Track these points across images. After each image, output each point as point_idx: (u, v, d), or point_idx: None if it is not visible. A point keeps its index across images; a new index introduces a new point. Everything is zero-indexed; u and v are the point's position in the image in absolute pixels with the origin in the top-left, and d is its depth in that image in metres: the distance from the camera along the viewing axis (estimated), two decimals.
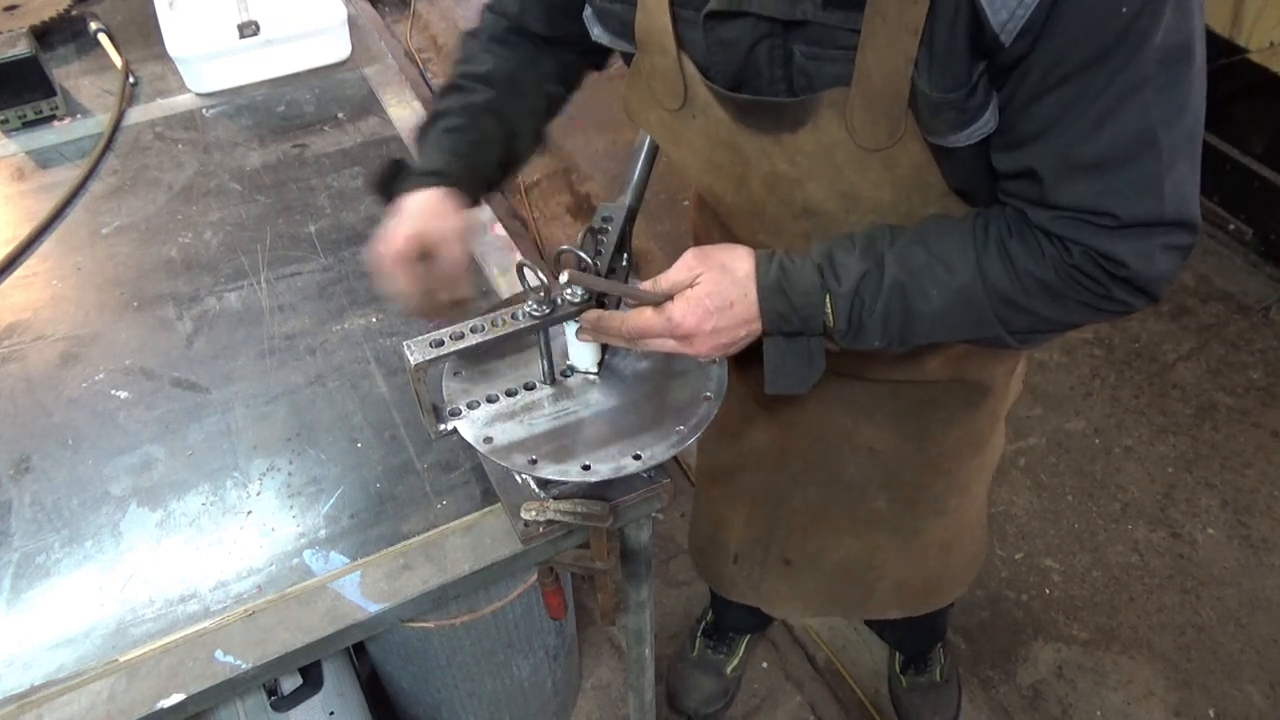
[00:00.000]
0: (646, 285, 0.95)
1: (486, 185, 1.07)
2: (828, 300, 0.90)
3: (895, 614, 1.51)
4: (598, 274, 0.97)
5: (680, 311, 0.91)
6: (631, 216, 1.07)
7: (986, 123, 0.81)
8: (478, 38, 1.11)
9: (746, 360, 1.02)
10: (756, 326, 0.93)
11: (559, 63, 1.11)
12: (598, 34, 1.01)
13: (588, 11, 1.01)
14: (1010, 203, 0.88)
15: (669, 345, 0.94)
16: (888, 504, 1.33)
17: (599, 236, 1.04)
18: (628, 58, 1.02)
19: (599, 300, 0.97)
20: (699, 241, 1.38)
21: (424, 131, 1.07)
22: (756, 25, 0.84)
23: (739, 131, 0.93)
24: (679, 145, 1.02)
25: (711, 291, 0.90)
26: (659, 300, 0.93)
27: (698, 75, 0.92)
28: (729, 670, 1.94)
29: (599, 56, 1.14)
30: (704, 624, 1.98)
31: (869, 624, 2.03)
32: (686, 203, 3.10)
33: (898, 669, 1.97)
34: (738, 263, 0.92)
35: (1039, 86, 0.77)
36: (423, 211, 0.97)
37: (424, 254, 0.96)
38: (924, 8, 0.74)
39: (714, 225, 1.22)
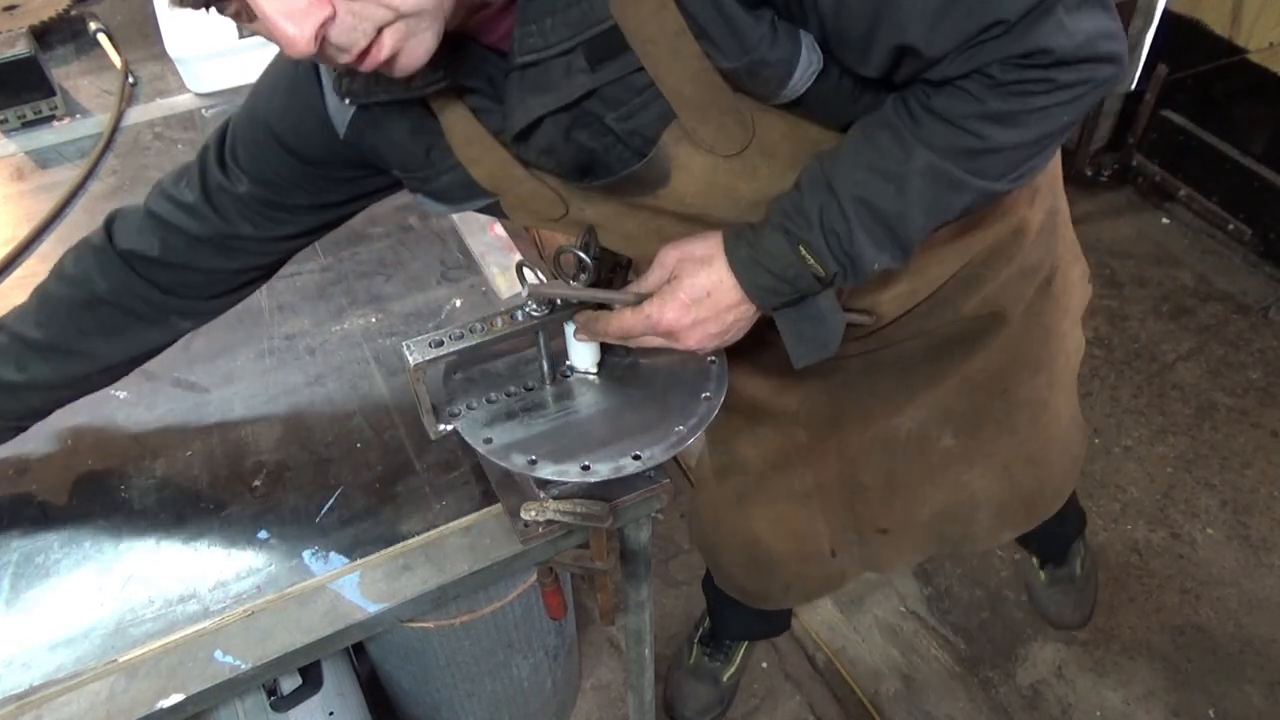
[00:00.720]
0: (631, 288, 0.95)
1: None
2: (804, 252, 0.87)
3: (1007, 537, 1.46)
4: (598, 274, 0.97)
5: (657, 309, 0.91)
6: None
7: (811, 63, 0.78)
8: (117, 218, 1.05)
9: (750, 366, 1.01)
10: (746, 308, 0.92)
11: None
12: (441, 210, 0.99)
13: (418, 199, 0.98)
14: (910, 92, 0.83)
15: (657, 342, 0.94)
16: (955, 440, 1.29)
17: (597, 237, 1.04)
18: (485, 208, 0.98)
19: (590, 306, 0.97)
20: None
21: None
22: (555, 121, 0.82)
23: (629, 204, 0.91)
24: (589, 237, 0.99)
25: (686, 285, 0.90)
26: (630, 301, 0.93)
27: (559, 183, 0.90)
28: (725, 678, 1.94)
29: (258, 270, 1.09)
30: (701, 631, 1.97)
31: None
32: None
33: (1036, 564, 1.97)
34: (709, 250, 0.90)
35: None
36: None
37: None
38: (671, 7, 0.73)
39: None
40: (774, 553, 1.44)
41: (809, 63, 0.79)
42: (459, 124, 0.87)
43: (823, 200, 0.85)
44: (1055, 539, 1.90)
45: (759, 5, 0.75)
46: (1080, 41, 0.75)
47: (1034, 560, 1.98)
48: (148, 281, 1.02)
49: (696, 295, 0.90)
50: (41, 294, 1.05)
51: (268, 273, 1.11)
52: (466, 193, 0.94)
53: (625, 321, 0.93)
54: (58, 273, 1.05)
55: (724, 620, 1.91)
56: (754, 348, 1.06)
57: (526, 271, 0.94)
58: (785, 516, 1.40)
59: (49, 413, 1.11)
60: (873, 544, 1.42)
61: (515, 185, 0.91)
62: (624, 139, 0.83)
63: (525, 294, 0.94)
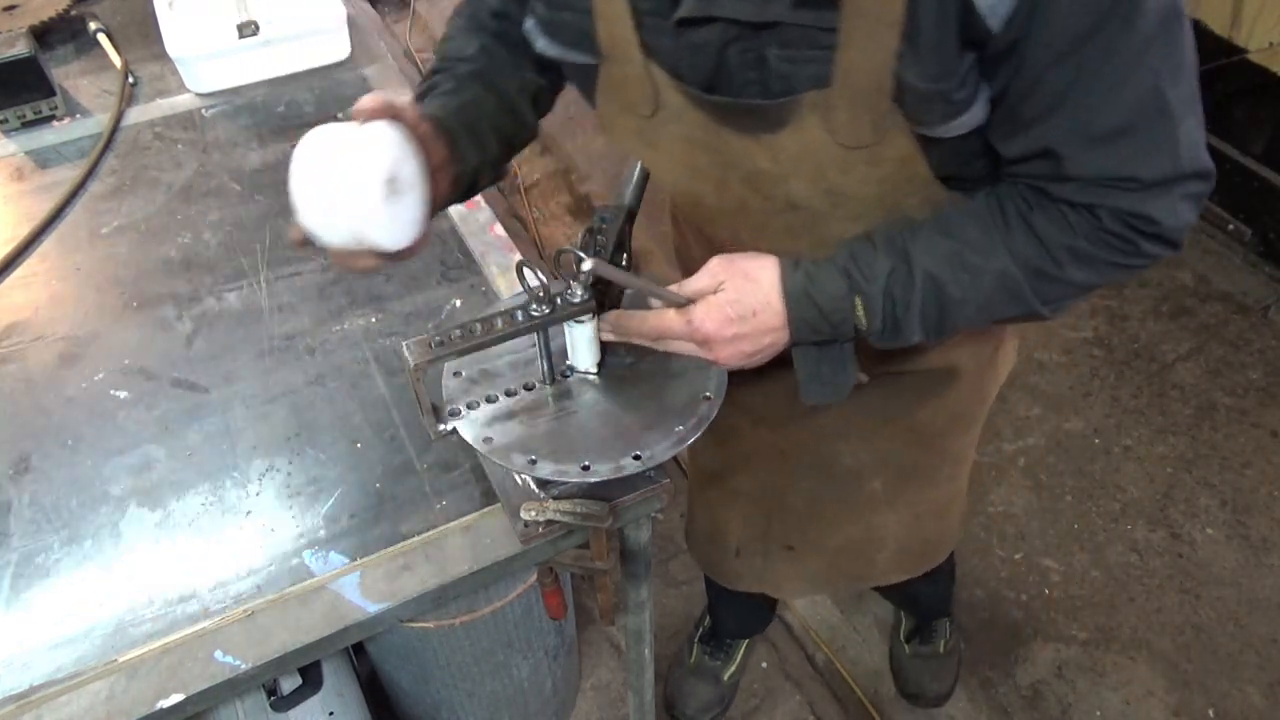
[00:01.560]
0: (672, 288, 0.95)
1: (478, 144, 0.99)
2: (858, 303, 0.89)
3: (896, 578, 1.52)
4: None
5: (701, 315, 0.91)
6: (630, 217, 1.07)
7: (975, 115, 0.81)
8: (450, 39, 1.09)
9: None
10: (782, 335, 0.93)
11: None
12: (543, 46, 0.97)
13: (529, 24, 0.97)
14: (1025, 181, 0.87)
15: (689, 349, 0.95)
16: (883, 485, 1.34)
17: (598, 237, 1.04)
18: (577, 72, 0.98)
19: (599, 300, 0.97)
20: (680, 251, 1.38)
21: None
22: (726, 29, 0.83)
23: (717, 132, 0.92)
24: (655, 150, 1.01)
25: (734, 299, 0.90)
26: (681, 301, 0.93)
27: (669, 80, 0.90)
28: (725, 677, 1.94)
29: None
30: (701, 630, 1.98)
31: (876, 589, 2.04)
32: None
33: (903, 637, 1.99)
34: (763, 271, 0.91)
35: (1039, 66, 0.77)
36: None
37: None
38: (901, 1, 0.73)
39: (691, 234, 1.21)
40: (699, 531, 1.55)
41: (975, 118, 0.81)
42: None
43: (895, 263, 0.88)
44: (929, 605, 1.95)
45: (969, 47, 0.77)
46: (1178, 225, 0.84)
47: (902, 632, 2.00)
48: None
49: (742, 312, 0.90)
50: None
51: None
52: (576, 39, 0.93)
53: (667, 322, 0.93)
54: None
55: (719, 615, 1.92)
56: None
57: (527, 272, 0.93)
58: (713, 501, 1.47)
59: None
60: (775, 559, 1.47)
61: (625, 62, 0.91)
62: (770, 76, 0.84)
63: (589, 266, 0.90)
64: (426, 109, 0.96)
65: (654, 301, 0.98)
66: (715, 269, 0.93)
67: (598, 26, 0.90)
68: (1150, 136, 0.80)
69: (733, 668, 1.95)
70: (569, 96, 1.12)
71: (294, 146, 0.85)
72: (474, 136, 0.98)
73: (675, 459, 2.15)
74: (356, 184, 0.81)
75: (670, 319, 0.93)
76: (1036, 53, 0.76)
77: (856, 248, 0.90)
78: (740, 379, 1.04)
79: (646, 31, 0.87)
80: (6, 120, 1.66)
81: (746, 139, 0.90)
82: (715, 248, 1.02)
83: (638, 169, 1.12)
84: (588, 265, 0.90)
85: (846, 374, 0.96)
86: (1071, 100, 0.78)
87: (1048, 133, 0.81)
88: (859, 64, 0.79)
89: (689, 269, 1.31)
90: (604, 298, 0.99)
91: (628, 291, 1.05)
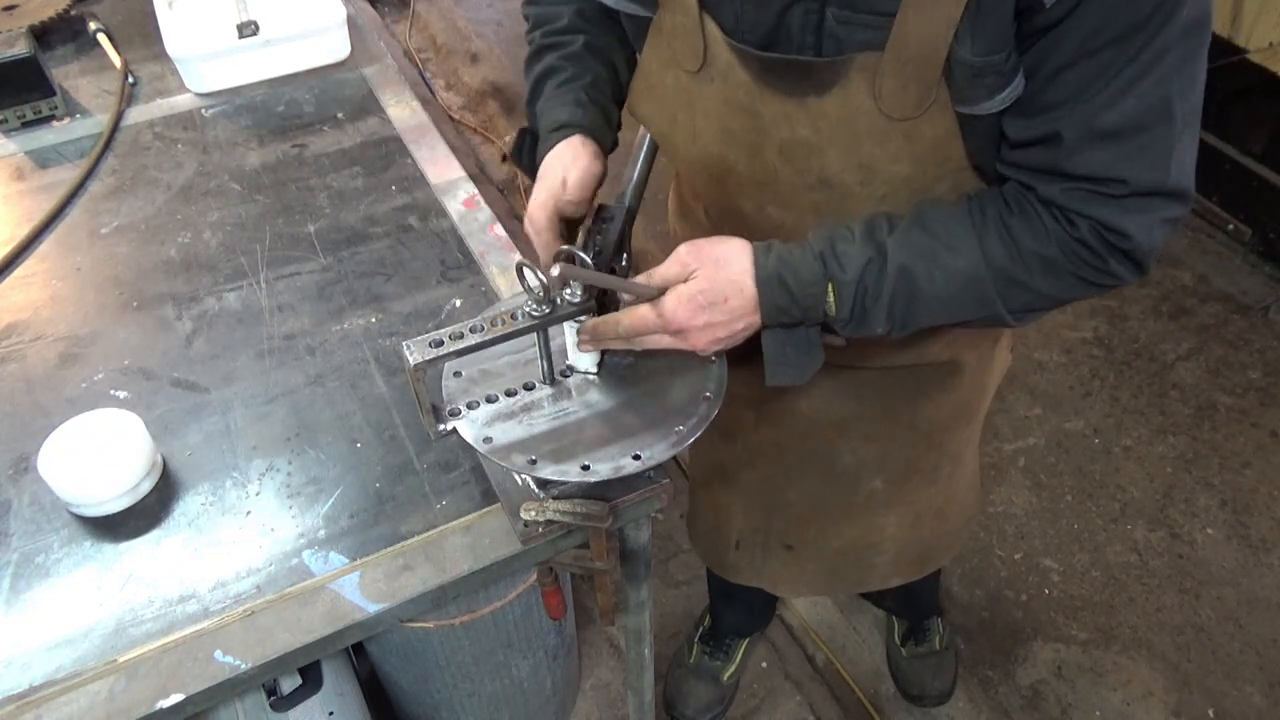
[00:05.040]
0: (640, 279, 0.94)
1: (612, 125, 1.08)
2: (830, 289, 0.90)
3: (895, 583, 1.53)
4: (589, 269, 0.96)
5: (672, 306, 0.91)
6: (631, 217, 1.07)
7: (1016, 86, 0.82)
8: (538, 3, 1.12)
9: (736, 358, 1.02)
10: (754, 320, 0.93)
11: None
12: None
13: None
14: (1015, 175, 0.88)
15: (665, 341, 0.94)
16: (884, 484, 1.34)
17: (598, 237, 1.04)
18: (631, 23, 1.01)
19: (599, 300, 0.97)
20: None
21: (534, 96, 1.08)
22: None
23: (760, 95, 0.92)
24: (693, 112, 1.01)
25: (705, 287, 0.90)
26: (651, 294, 0.92)
27: (720, 35, 0.91)
28: (725, 677, 1.94)
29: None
30: (701, 629, 1.98)
31: (866, 596, 2.06)
32: None
33: (898, 641, 1.99)
34: (732, 256, 0.91)
35: (1071, 54, 0.78)
36: (561, 162, 1.01)
37: (563, 216, 1.02)
38: None
39: (712, 213, 1.21)
40: (700, 522, 1.55)
41: (1016, 89, 0.82)
42: None
43: (871, 255, 0.89)
44: (918, 606, 1.97)
45: (1018, 16, 0.78)
46: (1149, 247, 0.85)
47: (896, 635, 2.01)
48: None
49: (714, 299, 0.90)
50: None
51: None
52: None
53: (638, 317, 0.93)
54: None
55: (719, 611, 1.93)
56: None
57: (527, 272, 0.93)
58: (715, 493, 1.47)
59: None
60: (774, 557, 1.48)
61: (680, 13, 0.93)
62: (825, 39, 0.85)
63: (556, 271, 0.91)
64: (553, 115, 1.04)
65: (625, 297, 0.98)
66: (684, 257, 0.92)
67: None
68: (1150, 141, 0.81)
69: (732, 667, 1.95)
70: None
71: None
72: (607, 120, 1.07)
73: (676, 459, 2.16)
74: None
75: (641, 315, 0.93)
76: (1071, 41, 0.77)
77: (836, 234, 0.91)
78: (743, 375, 1.04)
79: None
80: (6, 120, 1.66)
81: (789, 103, 0.90)
82: (732, 226, 1.02)
83: (638, 169, 1.12)
84: (555, 270, 0.90)
85: (811, 356, 0.96)
86: (1088, 92, 0.79)
87: (1057, 118, 0.82)
88: (916, 32, 0.80)
89: None
90: (604, 297, 0.99)
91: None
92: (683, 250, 0.93)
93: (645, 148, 1.13)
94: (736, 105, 0.95)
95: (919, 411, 1.25)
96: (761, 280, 0.90)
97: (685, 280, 0.91)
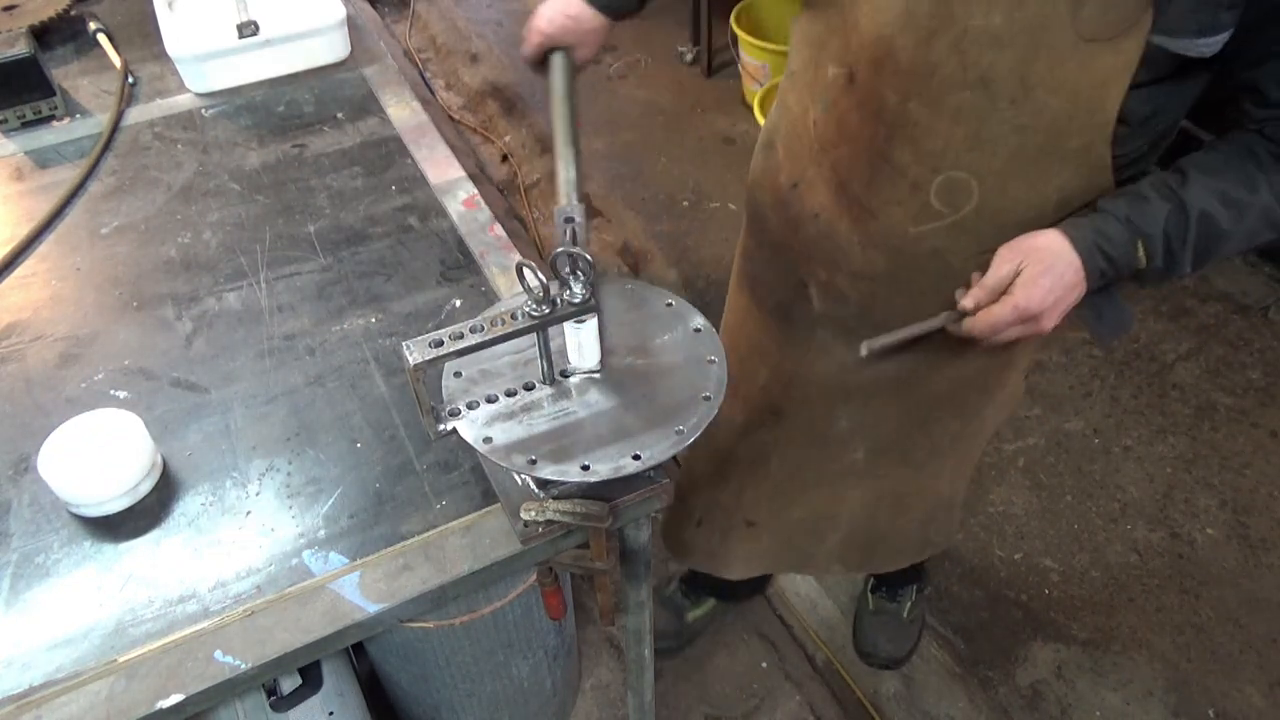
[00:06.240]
0: (971, 293, 1.04)
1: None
2: (1140, 243, 0.99)
3: (837, 571, 1.57)
4: (590, 269, 0.96)
5: (1024, 297, 1.00)
6: (586, 206, 1.11)
7: (1219, 42, 0.88)
8: None
9: (761, 318, 1.05)
10: (1082, 288, 1.02)
11: None
12: None
13: None
14: (1253, 128, 0.98)
15: (1015, 332, 1.04)
16: (864, 455, 1.37)
17: (578, 234, 1.05)
18: None
19: (591, 306, 0.97)
20: (742, 260, 1.40)
21: None
22: None
23: (987, 48, 0.94)
24: None
25: (1044, 270, 0.99)
26: (954, 319, 1.05)
27: None
28: (689, 617, 1.98)
29: None
30: (686, 572, 2.02)
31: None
32: (686, 203, 3.11)
33: (868, 588, 2.01)
34: (1050, 240, 1.00)
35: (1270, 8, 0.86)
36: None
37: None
38: None
39: (763, 244, 1.23)
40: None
41: (1222, 38, 0.89)
42: None
43: (1170, 207, 0.99)
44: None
45: None
46: None
47: (869, 582, 2.02)
48: None
49: (1056, 279, 1.00)
50: None
51: None
52: None
53: (994, 317, 1.02)
54: None
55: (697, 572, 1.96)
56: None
57: (526, 272, 0.93)
58: (693, 459, 1.50)
59: None
60: (732, 536, 1.51)
61: None
62: None
63: (864, 350, 1.10)
64: None
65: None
66: (1007, 255, 1.02)
67: None
68: None
69: (699, 612, 1.99)
70: None
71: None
72: None
73: (676, 459, 2.16)
74: None
75: (997, 314, 1.02)
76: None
77: (1126, 199, 1.00)
78: (774, 335, 1.08)
79: None
80: (6, 120, 1.66)
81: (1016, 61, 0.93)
82: (783, 250, 1.08)
83: (567, 173, 1.13)
84: (864, 349, 1.08)
85: (1122, 310, 1.08)
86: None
87: (1258, 77, 0.93)
88: None
89: (749, 271, 1.36)
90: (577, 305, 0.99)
91: (615, 287, 1.10)
92: (1003, 251, 1.02)
93: (563, 147, 1.15)
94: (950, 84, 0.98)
95: (927, 386, 1.28)
96: (1084, 251, 0.99)
97: (1018, 273, 1.00)
